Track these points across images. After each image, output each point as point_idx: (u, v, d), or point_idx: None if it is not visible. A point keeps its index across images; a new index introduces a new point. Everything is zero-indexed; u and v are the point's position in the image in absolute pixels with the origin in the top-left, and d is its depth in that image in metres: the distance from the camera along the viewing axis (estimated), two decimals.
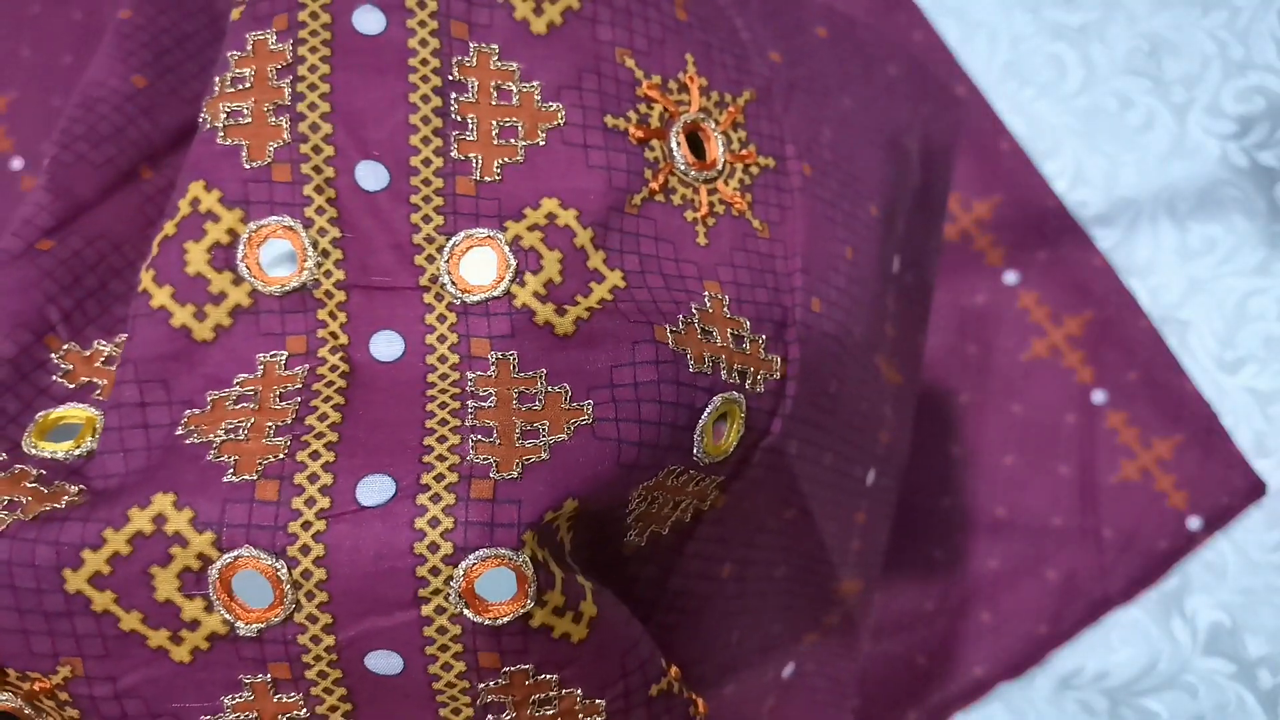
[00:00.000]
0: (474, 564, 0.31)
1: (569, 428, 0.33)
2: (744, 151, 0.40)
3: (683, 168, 0.39)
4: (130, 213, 0.41)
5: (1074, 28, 0.68)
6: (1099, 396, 0.65)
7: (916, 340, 0.53)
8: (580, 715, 0.35)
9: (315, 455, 0.32)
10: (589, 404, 0.34)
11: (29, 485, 0.33)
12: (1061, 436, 0.65)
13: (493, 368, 0.34)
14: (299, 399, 0.34)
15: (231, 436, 0.33)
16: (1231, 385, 0.64)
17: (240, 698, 0.33)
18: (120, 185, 0.41)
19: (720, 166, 0.40)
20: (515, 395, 0.34)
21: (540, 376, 0.34)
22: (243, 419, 0.33)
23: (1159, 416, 0.65)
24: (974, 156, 0.68)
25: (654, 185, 0.38)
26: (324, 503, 0.31)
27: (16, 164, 0.69)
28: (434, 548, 0.31)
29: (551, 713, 0.34)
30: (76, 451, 0.34)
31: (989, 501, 0.65)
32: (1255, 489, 0.63)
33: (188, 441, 0.33)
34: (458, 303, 0.35)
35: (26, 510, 0.32)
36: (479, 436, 0.32)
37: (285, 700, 0.33)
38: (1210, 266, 0.65)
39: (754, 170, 0.41)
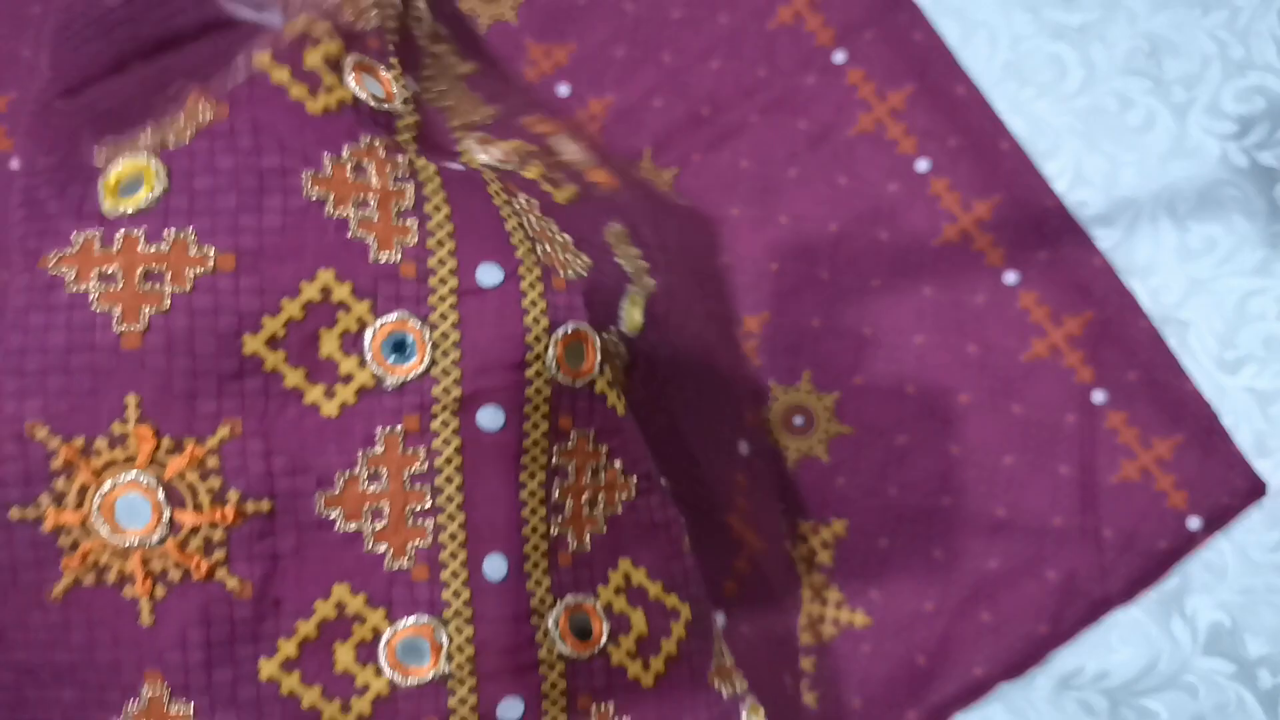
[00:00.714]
0: (563, 335, 0.40)
1: (582, 260, 0.43)
2: None
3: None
4: (127, 90, 0.44)
5: (1074, 28, 0.68)
6: (1099, 396, 0.65)
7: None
8: (618, 490, 0.43)
9: (440, 244, 0.39)
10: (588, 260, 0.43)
11: (142, 251, 0.37)
12: (1061, 436, 0.65)
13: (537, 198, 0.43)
14: (410, 194, 0.40)
15: (362, 213, 0.39)
16: (1231, 385, 0.64)
17: (373, 451, 0.38)
18: (115, 70, 0.45)
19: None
20: (550, 230, 0.42)
21: (552, 225, 0.43)
22: (362, 192, 0.39)
23: (1159, 416, 0.65)
24: (974, 156, 0.68)
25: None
26: (453, 283, 0.39)
27: (16, 164, 0.69)
28: (537, 321, 0.39)
29: (600, 482, 0.42)
30: (151, 196, 0.38)
31: (989, 501, 0.65)
32: (1255, 489, 0.63)
33: (325, 215, 0.39)
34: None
35: (178, 280, 0.36)
36: (540, 247, 0.41)
37: (410, 454, 0.38)
38: (1210, 266, 0.65)
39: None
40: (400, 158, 0.40)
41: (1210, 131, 0.66)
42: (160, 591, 0.35)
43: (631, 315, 0.46)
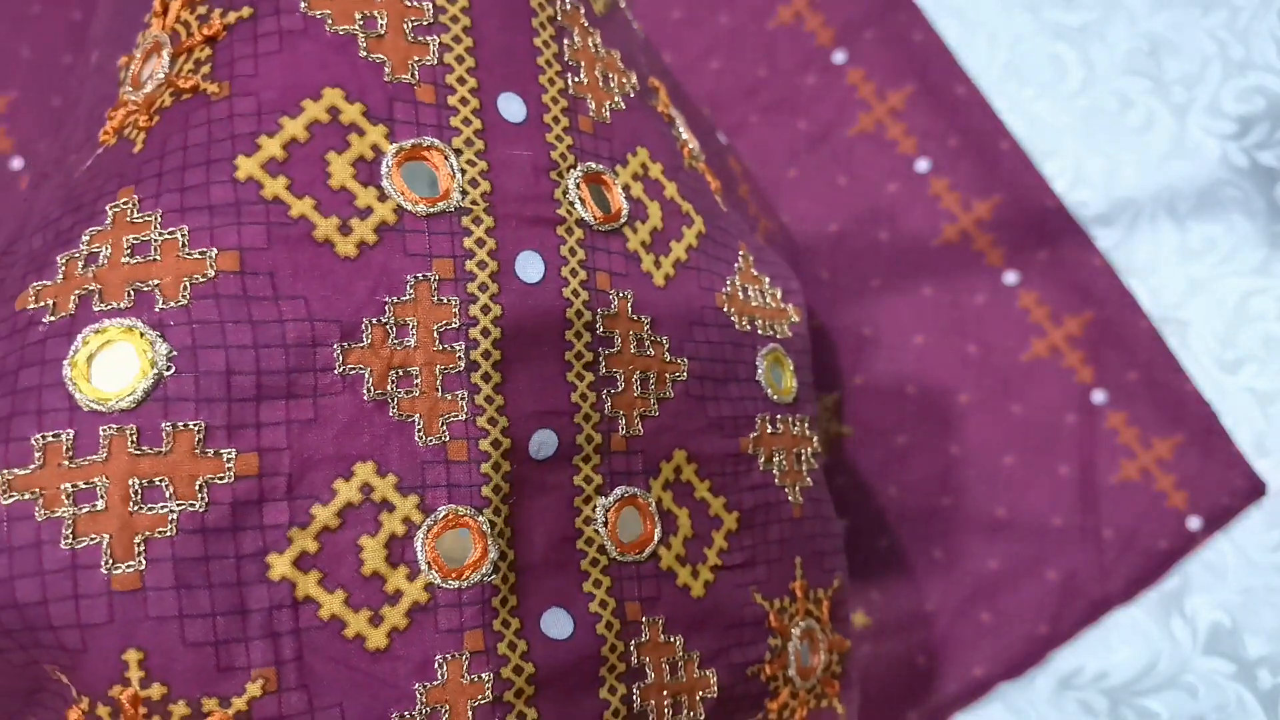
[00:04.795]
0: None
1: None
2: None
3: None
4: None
5: (1074, 28, 0.68)
6: (1099, 396, 0.65)
7: None
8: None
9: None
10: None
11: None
12: (1061, 436, 0.65)
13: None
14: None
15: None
16: (1231, 385, 0.64)
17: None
18: None
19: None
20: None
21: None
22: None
23: (1159, 416, 0.65)
24: (974, 156, 0.68)
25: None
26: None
27: (16, 164, 0.69)
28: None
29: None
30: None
31: (989, 501, 0.65)
32: (1255, 489, 0.63)
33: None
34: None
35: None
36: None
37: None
38: (1210, 266, 0.65)
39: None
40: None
41: (1210, 131, 0.66)
42: None
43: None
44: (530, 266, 0.36)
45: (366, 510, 0.32)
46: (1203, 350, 0.65)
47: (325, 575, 0.32)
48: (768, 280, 0.45)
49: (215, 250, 0.32)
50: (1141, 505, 0.64)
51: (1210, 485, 0.64)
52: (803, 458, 0.44)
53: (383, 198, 0.34)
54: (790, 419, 0.44)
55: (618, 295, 0.38)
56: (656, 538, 0.37)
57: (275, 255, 0.33)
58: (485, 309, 0.34)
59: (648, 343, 0.38)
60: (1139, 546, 0.63)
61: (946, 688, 0.64)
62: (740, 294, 0.43)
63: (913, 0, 0.69)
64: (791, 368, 0.44)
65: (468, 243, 0.35)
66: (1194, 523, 0.63)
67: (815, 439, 0.45)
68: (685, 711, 0.37)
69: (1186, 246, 0.65)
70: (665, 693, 0.36)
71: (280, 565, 0.31)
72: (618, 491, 0.36)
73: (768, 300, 0.45)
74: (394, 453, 0.33)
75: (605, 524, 0.36)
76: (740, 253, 0.44)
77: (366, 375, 0.33)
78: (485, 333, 0.34)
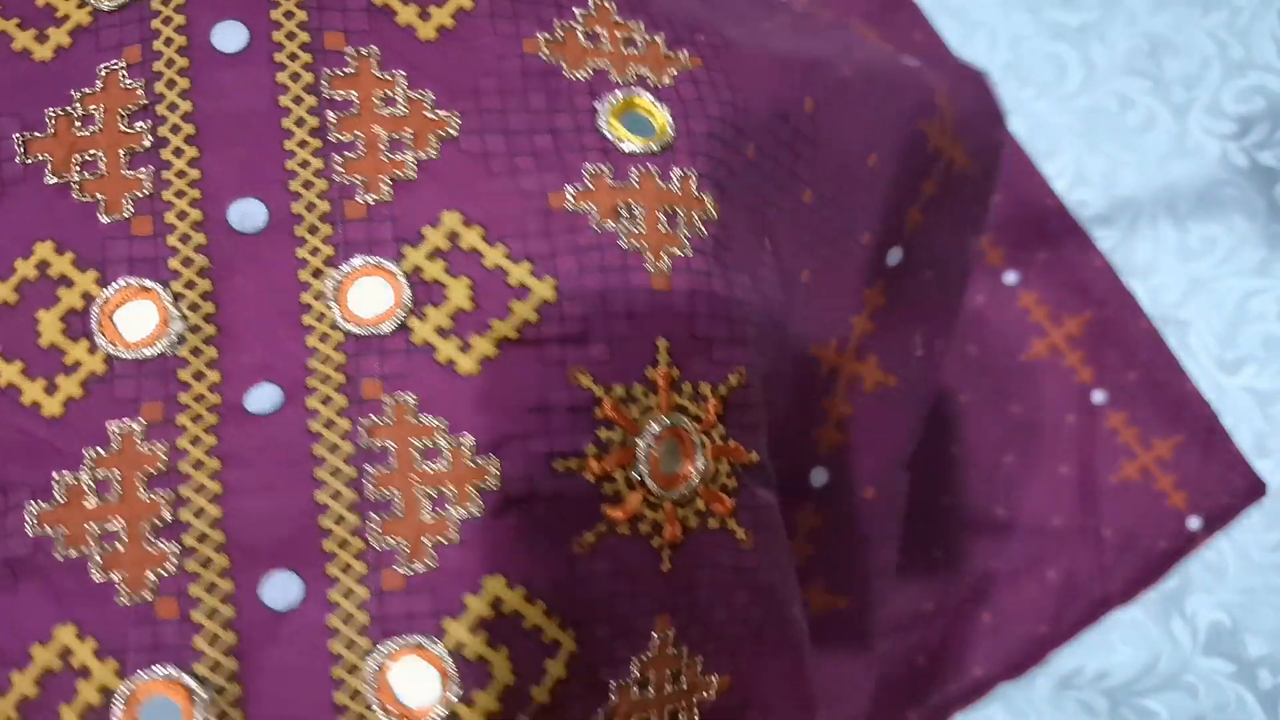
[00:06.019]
0: None
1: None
2: None
3: None
4: None
5: (1074, 28, 0.68)
6: (1099, 396, 0.65)
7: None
8: None
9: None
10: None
11: None
12: (1061, 436, 0.65)
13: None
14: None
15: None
16: (1231, 385, 0.64)
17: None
18: None
19: None
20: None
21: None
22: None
23: (1159, 416, 0.65)
24: None
25: None
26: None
27: None
28: None
29: None
30: None
31: (989, 501, 0.65)
32: (1255, 489, 0.63)
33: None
34: None
35: None
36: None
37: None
38: (1210, 266, 0.65)
39: None
40: None
41: (1210, 131, 0.66)
42: None
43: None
44: (229, 37, 0.36)
45: (43, 285, 0.34)
46: (1203, 350, 0.65)
47: (5, 347, 0.34)
48: (643, 26, 0.39)
49: None
50: (1141, 505, 0.64)
51: (1210, 485, 0.64)
52: (680, 219, 0.37)
53: (82, 4, 0.36)
54: (655, 170, 0.37)
55: (356, 54, 0.36)
56: (406, 307, 0.34)
57: None
58: (171, 84, 0.35)
59: (401, 100, 0.36)
60: (1139, 546, 0.63)
61: (946, 688, 0.64)
62: (579, 39, 0.38)
63: (913, 0, 0.69)
64: (666, 114, 0.38)
65: (155, 24, 0.36)
66: (1194, 523, 0.63)
67: (711, 200, 0.38)
68: (452, 505, 0.33)
69: (1186, 246, 0.66)
70: (416, 479, 0.33)
71: None
72: (354, 261, 0.35)
73: (640, 46, 0.39)
74: (74, 231, 0.34)
75: (335, 296, 0.35)
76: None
77: (48, 161, 0.35)
78: (173, 108, 0.35)
